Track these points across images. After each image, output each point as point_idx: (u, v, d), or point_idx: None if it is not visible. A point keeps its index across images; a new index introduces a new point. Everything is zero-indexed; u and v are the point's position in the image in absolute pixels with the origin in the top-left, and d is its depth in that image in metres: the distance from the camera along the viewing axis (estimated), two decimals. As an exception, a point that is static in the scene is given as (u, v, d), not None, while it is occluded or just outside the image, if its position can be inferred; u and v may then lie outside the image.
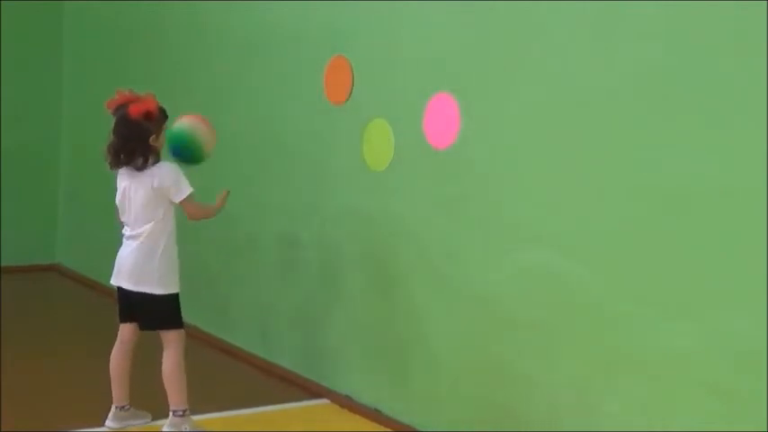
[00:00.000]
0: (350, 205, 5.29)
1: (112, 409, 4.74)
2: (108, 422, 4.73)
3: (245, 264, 5.98)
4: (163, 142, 4.63)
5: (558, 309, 4.25)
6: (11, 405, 4.95)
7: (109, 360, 4.75)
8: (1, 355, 5.62)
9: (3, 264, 7.56)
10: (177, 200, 4.60)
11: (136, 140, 4.56)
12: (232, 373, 5.77)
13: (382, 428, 4.97)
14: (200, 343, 5.97)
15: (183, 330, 4.71)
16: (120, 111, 4.58)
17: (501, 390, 4.50)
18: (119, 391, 4.74)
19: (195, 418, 4.70)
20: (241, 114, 6.12)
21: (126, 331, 4.76)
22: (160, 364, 4.66)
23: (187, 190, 4.61)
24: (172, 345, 4.65)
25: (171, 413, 4.63)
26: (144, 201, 4.59)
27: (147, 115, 4.56)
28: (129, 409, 4.76)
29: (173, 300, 4.66)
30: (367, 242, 5.20)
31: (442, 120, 4.72)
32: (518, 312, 4.41)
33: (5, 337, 5.93)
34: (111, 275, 4.72)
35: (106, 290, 7.05)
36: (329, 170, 5.42)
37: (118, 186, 4.68)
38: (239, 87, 6.09)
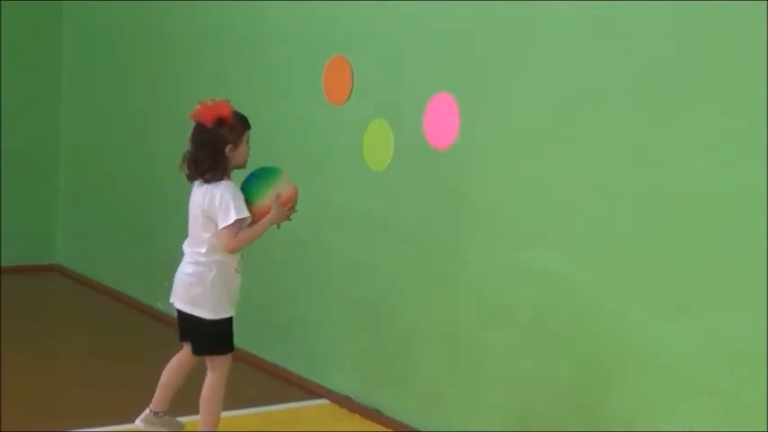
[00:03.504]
0: (350, 205, 5.28)
1: (147, 410, 4.54)
2: (138, 421, 4.54)
3: (245, 263, 5.96)
4: (243, 154, 4.37)
5: (558, 309, 4.25)
6: (11, 405, 4.94)
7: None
8: (1, 355, 5.61)
9: (3, 264, 7.54)
10: (221, 225, 4.24)
11: (208, 149, 4.27)
12: (232, 373, 5.74)
13: (382, 428, 4.97)
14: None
15: (230, 356, 4.47)
16: (197, 119, 4.35)
17: (500, 389, 4.50)
18: (159, 398, 4.54)
19: (195, 418, 4.67)
20: (241, 114, 6.10)
21: (186, 350, 4.53)
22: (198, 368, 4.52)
23: (234, 216, 4.21)
24: (215, 370, 4.44)
25: None
26: (194, 220, 4.34)
27: (221, 121, 4.29)
28: (163, 416, 4.55)
29: (221, 325, 4.39)
30: (367, 242, 5.19)
31: (441, 120, 4.72)
32: (518, 312, 4.41)
33: (5, 337, 5.92)
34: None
35: (106, 290, 7.08)
36: (329, 170, 5.42)
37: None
38: (239, 87, 6.08)
